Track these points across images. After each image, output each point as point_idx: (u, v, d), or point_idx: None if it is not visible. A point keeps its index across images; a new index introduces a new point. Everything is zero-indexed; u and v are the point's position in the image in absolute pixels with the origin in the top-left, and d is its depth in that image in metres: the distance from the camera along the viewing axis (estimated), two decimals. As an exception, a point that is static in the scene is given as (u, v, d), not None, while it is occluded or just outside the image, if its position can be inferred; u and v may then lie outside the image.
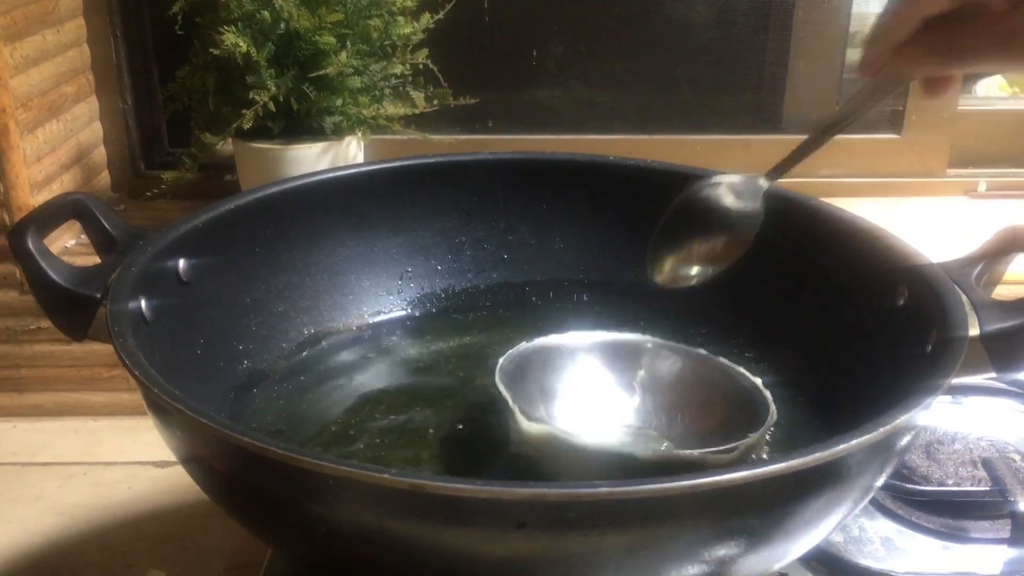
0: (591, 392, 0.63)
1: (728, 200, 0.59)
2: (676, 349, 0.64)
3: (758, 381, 0.60)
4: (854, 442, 0.43)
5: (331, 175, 0.72)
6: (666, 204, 0.73)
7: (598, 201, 0.76)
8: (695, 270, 0.60)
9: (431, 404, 0.65)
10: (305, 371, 0.67)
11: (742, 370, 0.61)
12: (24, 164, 0.83)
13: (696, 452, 0.54)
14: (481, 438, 0.61)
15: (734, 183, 0.60)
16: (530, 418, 0.56)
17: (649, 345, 0.65)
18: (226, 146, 0.92)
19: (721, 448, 0.54)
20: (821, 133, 0.57)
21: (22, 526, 0.76)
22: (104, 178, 1.00)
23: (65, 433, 0.88)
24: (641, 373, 0.64)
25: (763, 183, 0.59)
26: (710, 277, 0.60)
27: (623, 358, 0.64)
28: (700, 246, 0.60)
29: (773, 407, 0.57)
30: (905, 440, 0.48)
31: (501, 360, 0.60)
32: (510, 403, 0.56)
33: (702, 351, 0.63)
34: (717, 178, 0.60)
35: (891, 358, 0.55)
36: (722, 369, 0.62)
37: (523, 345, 0.62)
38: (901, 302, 0.58)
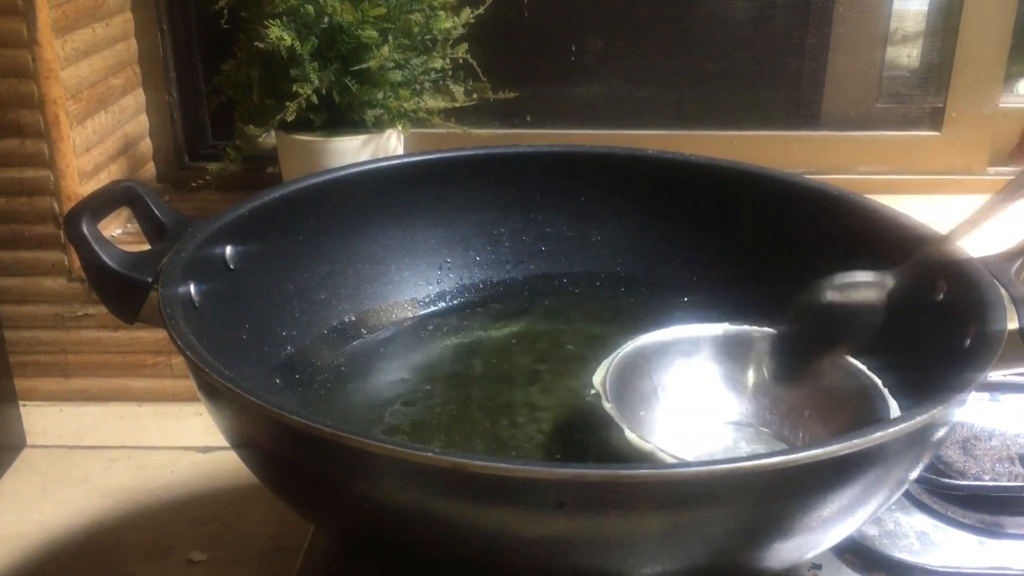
0: (699, 391, 0.62)
1: (854, 299, 0.57)
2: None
3: (877, 380, 0.57)
4: (891, 430, 0.43)
5: (373, 166, 0.74)
6: (702, 197, 0.74)
7: (636, 195, 0.76)
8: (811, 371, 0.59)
9: (467, 391, 0.66)
10: (346, 357, 0.68)
11: (862, 367, 0.59)
12: (74, 154, 0.85)
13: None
14: (525, 425, 0.62)
15: (861, 279, 0.58)
16: (634, 434, 0.53)
17: (757, 334, 0.62)
18: (268, 139, 0.94)
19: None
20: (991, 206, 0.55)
21: (68, 507, 0.78)
22: (149, 169, 1.02)
23: (110, 418, 0.90)
24: (752, 369, 0.62)
25: (889, 281, 0.57)
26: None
27: (734, 352, 0.62)
28: (823, 351, 0.59)
29: (893, 402, 0.55)
30: (941, 432, 0.49)
31: (604, 367, 0.58)
32: (616, 420, 0.54)
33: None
34: (840, 279, 0.58)
35: (930, 352, 0.55)
36: (843, 367, 0.59)
37: (625, 348, 0.60)
38: (940, 296, 0.58)
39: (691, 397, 0.62)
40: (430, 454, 0.40)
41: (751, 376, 0.63)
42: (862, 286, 0.57)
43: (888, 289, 0.57)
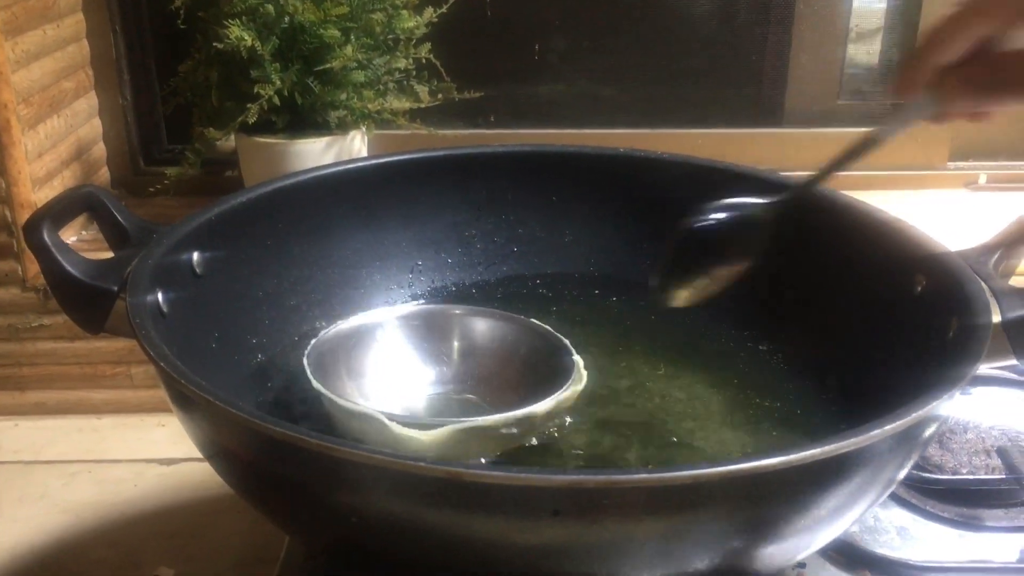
0: (408, 365, 0.65)
1: (732, 227, 0.60)
2: (486, 313, 0.66)
3: (567, 342, 0.62)
4: (883, 430, 0.43)
5: (340, 168, 0.72)
6: (675, 196, 0.74)
7: (607, 194, 0.76)
8: (697, 293, 0.61)
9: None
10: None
11: (550, 330, 0.64)
12: (26, 160, 0.83)
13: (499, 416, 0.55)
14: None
15: (738, 205, 0.60)
16: (345, 401, 0.57)
17: (457, 311, 0.67)
18: (227, 142, 0.92)
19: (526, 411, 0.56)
20: (844, 157, 0.57)
21: (27, 524, 0.75)
22: (104, 174, 1.00)
23: (68, 431, 0.87)
24: (456, 342, 0.66)
25: (772, 205, 0.59)
26: (707, 296, 0.61)
27: (436, 328, 0.66)
28: (702, 275, 0.61)
29: (583, 371, 0.60)
30: (931, 429, 0.49)
31: (308, 349, 0.60)
32: (322, 390, 0.57)
33: (514, 315, 0.65)
34: (722, 202, 0.60)
35: (912, 346, 0.55)
36: (536, 331, 0.64)
37: (330, 330, 0.63)
38: (919, 290, 0.58)
39: (398, 371, 0.65)
40: (422, 463, 0.39)
41: (456, 348, 0.66)
42: (734, 208, 0.60)
43: (769, 210, 0.59)
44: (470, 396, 0.64)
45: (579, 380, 0.60)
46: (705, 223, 0.60)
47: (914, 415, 0.43)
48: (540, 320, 0.65)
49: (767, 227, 0.59)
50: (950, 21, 0.49)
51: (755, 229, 0.59)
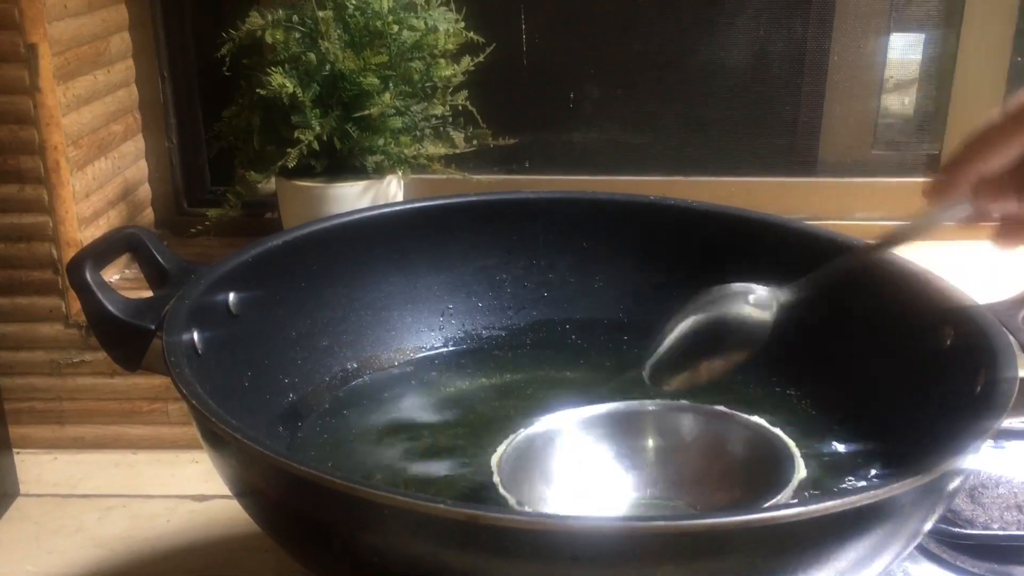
0: (598, 470, 0.59)
1: (742, 312, 0.57)
2: (683, 408, 0.61)
3: (779, 432, 0.57)
4: (906, 482, 0.43)
5: (375, 212, 0.74)
6: (705, 244, 0.75)
7: (638, 240, 0.76)
8: (690, 379, 0.58)
9: (472, 440, 0.65)
10: (348, 405, 0.67)
11: (762, 422, 0.58)
12: (73, 200, 0.85)
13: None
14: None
15: (751, 292, 0.58)
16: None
17: (651, 408, 0.60)
18: (267, 185, 0.94)
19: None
20: (864, 252, 0.56)
21: (63, 557, 0.76)
22: (148, 215, 1.02)
23: (105, 466, 0.89)
24: (650, 441, 0.60)
25: (783, 296, 0.57)
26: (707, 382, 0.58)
27: (628, 428, 0.60)
28: (704, 361, 0.58)
29: (801, 462, 0.54)
30: (956, 482, 0.48)
31: (498, 452, 0.56)
32: (509, 499, 0.52)
33: (716, 407, 0.60)
34: (734, 287, 0.58)
35: (940, 399, 0.55)
36: (742, 423, 0.58)
37: (519, 435, 0.58)
38: (948, 343, 0.58)
39: (589, 477, 0.59)
40: (442, 505, 0.39)
41: (651, 448, 0.61)
42: (739, 297, 0.57)
43: (780, 302, 0.57)
44: (677, 502, 0.58)
45: (800, 471, 0.54)
46: (704, 315, 0.57)
47: (936, 469, 0.43)
48: (571, 371, 0.64)
49: (770, 323, 0.56)
50: (992, 130, 0.49)
51: (758, 326, 0.57)
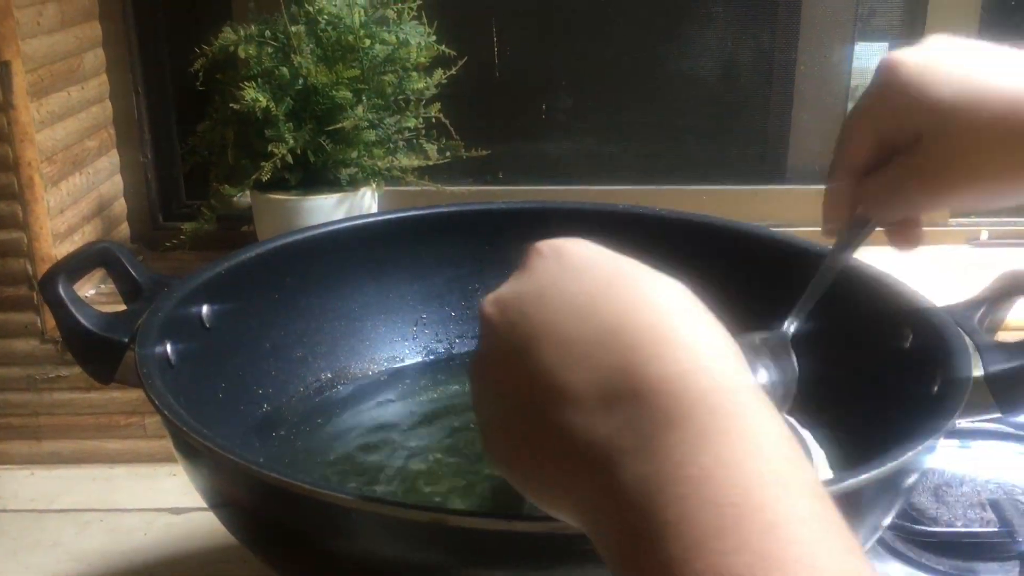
0: None
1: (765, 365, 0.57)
2: None
3: (806, 434, 0.59)
4: (861, 478, 0.44)
5: (349, 224, 0.74)
6: (675, 252, 0.75)
7: (610, 249, 0.77)
8: None
9: (446, 448, 0.66)
10: (322, 415, 0.68)
11: (790, 420, 0.59)
12: (48, 216, 0.86)
13: None
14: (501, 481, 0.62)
15: (762, 339, 0.58)
16: None
17: None
18: (242, 198, 0.94)
19: None
20: (822, 275, 0.58)
21: (40, 572, 0.76)
22: (123, 229, 1.03)
23: (82, 480, 0.89)
24: None
25: (788, 331, 0.58)
26: None
27: None
28: None
29: (823, 457, 0.56)
30: (912, 479, 0.49)
31: None
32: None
33: None
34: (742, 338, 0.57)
35: (898, 399, 0.56)
36: None
37: None
38: (907, 344, 0.59)
39: None
40: (408, 508, 0.40)
41: None
42: (768, 342, 0.58)
43: (790, 336, 0.58)
44: None
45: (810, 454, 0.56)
46: None
47: (888, 466, 0.44)
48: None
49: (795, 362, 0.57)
50: (845, 129, 0.52)
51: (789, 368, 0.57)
